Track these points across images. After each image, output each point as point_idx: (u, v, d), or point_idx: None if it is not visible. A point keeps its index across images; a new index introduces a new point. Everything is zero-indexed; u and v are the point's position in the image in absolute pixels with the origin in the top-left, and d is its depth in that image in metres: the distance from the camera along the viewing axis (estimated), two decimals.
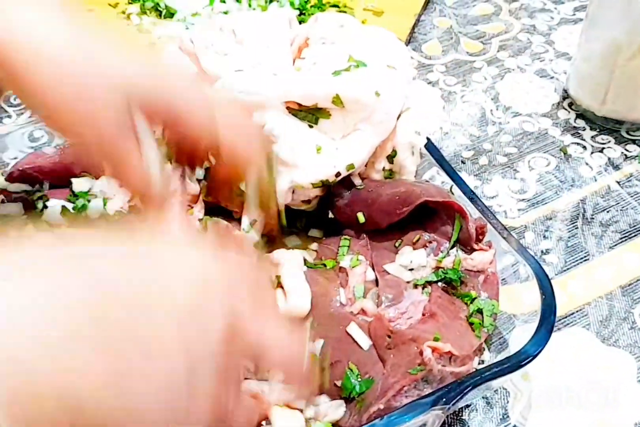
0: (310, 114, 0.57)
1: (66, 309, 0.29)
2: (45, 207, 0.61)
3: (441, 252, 0.55)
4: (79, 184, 0.62)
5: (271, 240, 0.59)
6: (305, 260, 0.56)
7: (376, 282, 0.54)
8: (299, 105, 0.57)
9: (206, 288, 0.34)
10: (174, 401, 0.31)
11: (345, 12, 0.89)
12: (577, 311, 0.62)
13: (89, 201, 0.61)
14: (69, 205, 0.60)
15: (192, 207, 0.60)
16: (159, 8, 0.90)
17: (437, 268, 0.54)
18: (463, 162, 0.74)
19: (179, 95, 0.46)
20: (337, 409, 0.48)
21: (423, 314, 0.51)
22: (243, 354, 0.36)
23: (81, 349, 0.29)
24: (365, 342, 0.50)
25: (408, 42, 0.87)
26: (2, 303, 0.28)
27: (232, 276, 0.36)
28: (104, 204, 0.62)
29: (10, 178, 0.63)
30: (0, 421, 0.26)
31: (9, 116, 0.77)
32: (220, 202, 0.63)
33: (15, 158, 0.67)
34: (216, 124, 0.46)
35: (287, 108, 0.57)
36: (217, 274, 0.35)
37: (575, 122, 0.79)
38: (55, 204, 0.60)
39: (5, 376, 0.27)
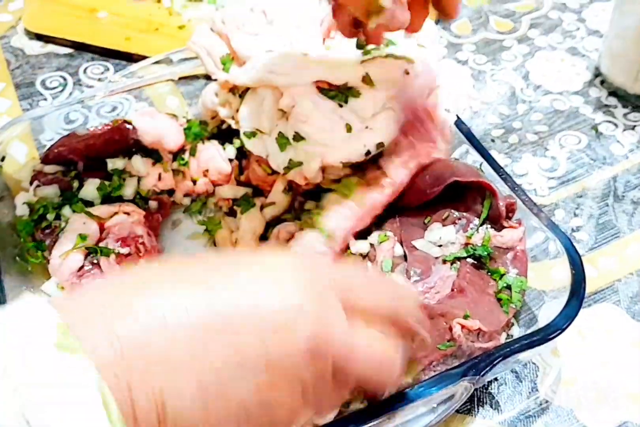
0: (340, 93, 0.58)
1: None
2: (81, 186, 0.62)
3: (470, 229, 0.55)
4: (114, 163, 0.64)
5: None
6: None
7: (405, 258, 0.54)
8: (329, 84, 0.57)
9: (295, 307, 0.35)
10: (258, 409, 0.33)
11: None
12: (607, 288, 0.62)
13: (124, 180, 0.63)
14: (105, 183, 0.62)
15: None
16: None
17: (466, 244, 0.54)
18: (493, 141, 0.74)
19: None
20: None
21: (452, 290, 0.52)
22: (324, 366, 0.35)
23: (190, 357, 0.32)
24: None
25: (437, 22, 0.87)
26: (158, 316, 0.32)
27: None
28: (138, 183, 0.63)
29: (46, 160, 0.65)
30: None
31: (45, 99, 0.79)
32: (252, 182, 0.64)
33: (51, 140, 0.68)
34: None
35: (317, 87, 0.58)
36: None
37: (606, 99, 0.78)
38: (92, 181, 0.62)
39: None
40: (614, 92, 0.78)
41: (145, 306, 0.33)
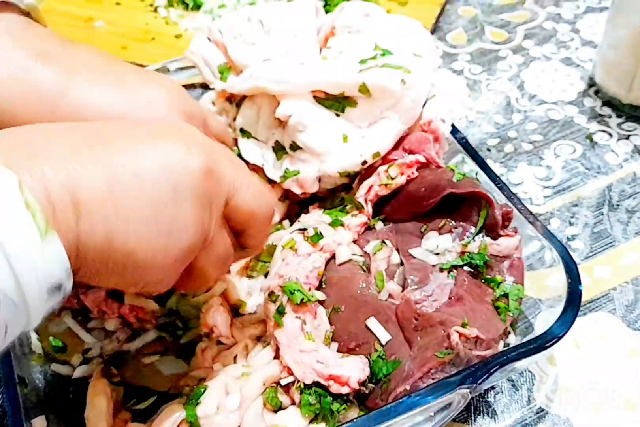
0: (337, 103, 0.58)
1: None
2: None
3: (466, 237, 0.55)
4: None
5: None
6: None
7: (402, 266, 0.54)
8: (326, 94, 0.58)
9: (190, 138, 0.42)
10: (161, 216, 0.38)
11: (370, 1, 0.89)
12: (602, 296, 0.62)
13: None
14: None
15: None
16: (186, 0, 0.91)
17: (463, 253, 0.54)
18: (488, 150, 0.75)
19: None
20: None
21: (450, 298, 0.52)
22: (219, 189, 0.42)
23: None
24: (384, 335, 0.50)
25: (433, 32, 0.87)
26: None
27: (213, 143, 0.45)
28: None
29: None
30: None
31: None
32: None
33: None
34: None
35: (314, 97, 0.58)
36: (201, 135, 0.44)
37: (601, 109, 0.79)
38: None
39: None
40: (608, 102, 0.79)
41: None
